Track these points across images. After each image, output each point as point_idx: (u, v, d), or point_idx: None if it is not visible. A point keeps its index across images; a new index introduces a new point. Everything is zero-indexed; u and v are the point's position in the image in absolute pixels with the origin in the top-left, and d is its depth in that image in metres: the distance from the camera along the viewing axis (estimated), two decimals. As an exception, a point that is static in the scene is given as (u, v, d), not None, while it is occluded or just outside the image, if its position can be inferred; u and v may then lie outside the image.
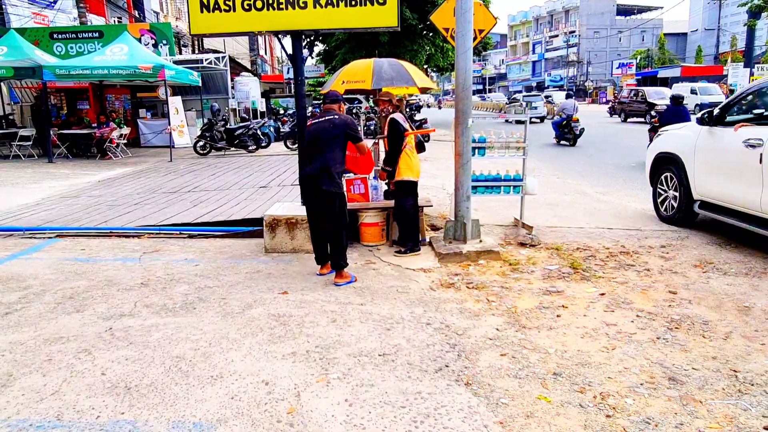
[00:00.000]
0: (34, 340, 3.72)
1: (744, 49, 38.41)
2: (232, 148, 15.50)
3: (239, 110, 19.34)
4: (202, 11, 5.62)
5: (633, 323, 4.10)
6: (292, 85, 6.21)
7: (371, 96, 8.49)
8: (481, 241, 5.83)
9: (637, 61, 58.54)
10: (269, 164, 12.92)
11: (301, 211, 5.88)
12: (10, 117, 18.23)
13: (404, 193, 5.66)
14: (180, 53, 24.44)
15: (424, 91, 6.76)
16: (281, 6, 5.54)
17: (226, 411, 2.88)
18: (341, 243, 4.89)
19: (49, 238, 6.37)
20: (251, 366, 3.38)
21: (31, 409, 2.90)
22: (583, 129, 16.78)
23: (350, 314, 4.22)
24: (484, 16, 6.52)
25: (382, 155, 6.14)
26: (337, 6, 5.52)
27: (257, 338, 3.78)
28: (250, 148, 15.58)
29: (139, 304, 4.37)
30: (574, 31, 70.44)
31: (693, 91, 33.24)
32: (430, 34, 23.43)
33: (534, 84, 73.75)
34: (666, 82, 41.84)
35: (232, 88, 20.09)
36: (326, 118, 4.88)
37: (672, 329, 3.98)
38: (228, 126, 15.81)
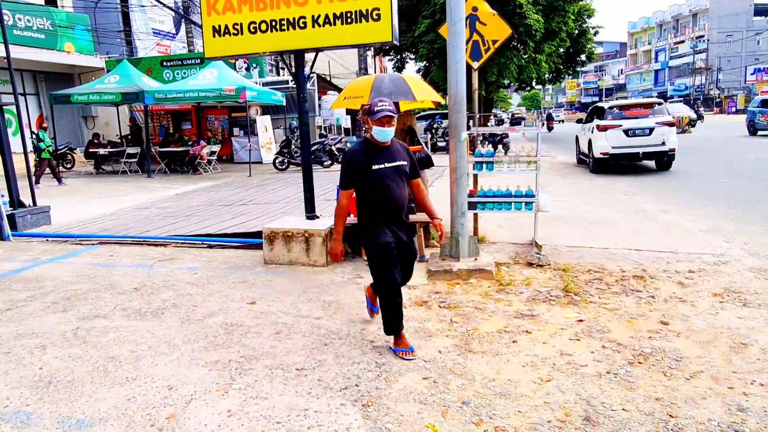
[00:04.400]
0: (9, 334, 4.19)
1: None
2: (308, 164, 16.14)
3: (323, 127, 20.12)
4: (214, 36, 6.01)
5: (592, 354, 3.71)
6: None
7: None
8: (476, 259, 5.57)
9: (777, 65, 52.43)
10: (332, 179, 13.29)
11: (297, 225, 6.03)
12: (129, 137, 20.50)
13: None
14: (278, 75, 26.03)
15: (438, 105, 6.62)
16: (283, 27, 5.77)
17: (114, 411, 3.04)
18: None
19: (92, 245, 7.10)
20: (170, 371, 3.53)
21: (-34, 394, 3.27)
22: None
23: (300, 327, 4.25)
24: (498, 27, 6.28)
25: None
26: (335, 24, 5.63)
27: (195, 345, 3.93)
28: (326, 163, 16.15)
29: (118, 308, 4.74)
30: (702, 36, 64.74)
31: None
32: (520, 46, 22.81)
33: (655, 94, 68.70)
34: (809, 88, 36.99)
35: (319, 106, 20.98)
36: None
37: (633, 364, 3.54)
38: (306, 143, 16.49)
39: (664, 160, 13.09)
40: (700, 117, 34.62)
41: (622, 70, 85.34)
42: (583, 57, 32.17)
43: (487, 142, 15.11)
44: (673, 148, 12.71)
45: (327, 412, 3.04)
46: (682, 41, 68.47)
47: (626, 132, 12.76)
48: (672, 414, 2.95)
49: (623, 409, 3.02)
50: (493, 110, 35.66)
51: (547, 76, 29.88)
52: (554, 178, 12.90)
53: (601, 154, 12.97)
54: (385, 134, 3.61)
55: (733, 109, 49.89)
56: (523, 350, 3.81)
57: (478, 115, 23.81)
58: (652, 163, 13.88)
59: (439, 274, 5.38)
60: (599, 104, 14.72)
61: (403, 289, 5.15)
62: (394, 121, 3.58)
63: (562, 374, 3.45)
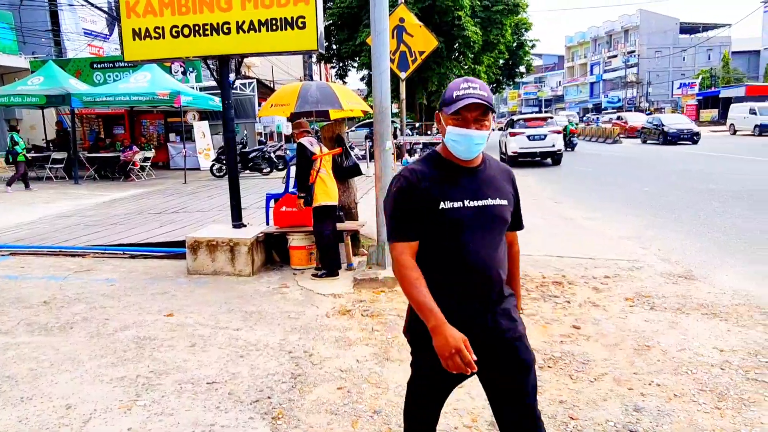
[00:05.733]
0: None
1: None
2: (247, 171, 15.87)
3: (263, 134, 19.84)
4: (134, 39, 5.82)
5: (506, 360, 3.79)
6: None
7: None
8: (402, 267, 5.61)
9: (700, 80, 55.79)
10: (269, 185, 13.11)
11: (222, 234, 5.90)
12: (56, 141, 19.52)
13: (322, 218, 5.57)
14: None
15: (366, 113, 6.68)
16: (207, 32, 5.65)
17: (2, 434, 2.86)
18: None
19: (2, 255, 6.70)
20: (70, 389, 3.36)
21: None
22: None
23: (216, 339, 4.15)
24: (425, 38, 6.39)
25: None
26: (259, 31, 5.56)
27: (102, 361, 3.76)
28: (264, 170, 15.92)
29: (23, 323, 4.47)
30: (633, 51, 68.16)
31: (752, 111, 31.13)
32: (460, 57, 23.30)
33: (591, 105, 71.73)
34: (728, 102, 39.57)
35: (259, 112, 20.67)
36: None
37: (542, 368, 3.65)
38: (244, 149, 16.22)
39: (554, 158, 18.08)
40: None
41: (560, 81, 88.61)
42: (521, 69, 33.22)
43: (425, 150, 15.34)
44: (560, 149, 17.91)
45: (234, 427, 2.97)
46: (615, 56, 71.81)
47: (529, 137, 17.72)
48: (573, 416, 3.05)
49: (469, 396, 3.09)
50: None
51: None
52: None
53: (512, 152, 17.88)
54: (469, 142, 1.91)
55: (661, 121, 52.68)
56: (439, 357, 3.85)
57: (420, 123, 23.81)
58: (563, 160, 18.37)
59: (364, 283, 5.38)
60: (512, 117, 20.97)
61: (329, 299, 5.16)
62: (489, 120, 1.94)
63: (474, 380, 3.49)
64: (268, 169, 16.02)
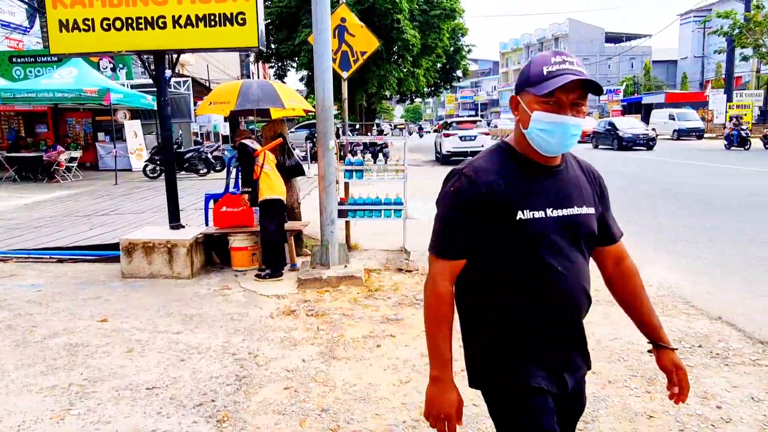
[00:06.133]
0: None
1: (725, 76, 38.53)
2: (182, 172, 15.36)
3: (200, 134, 19.29)
4: (61, 30, 5.51)
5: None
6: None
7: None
8: (346, 266, 5.61)
9: (624, 87, 58.97)
10: (207, 187, 12.76)
11: (159, 235, 5.69)
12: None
13: (269, 214, 5.48)
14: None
15: (306, 112, 6.64)
16: (140, 26, 5.43)
17: None
18: None
19: None
20: (-5, 400, 3.14)
21: None
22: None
23: (155, 344, 4.00)
24: (367, 39, 6.42)
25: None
26: (197, 26, 5.41)
27: (31, 370, 3.55)
28: (201, 171, 15.48)
29: (-63, 333, 4.15)
30: (563, 58, 71.13)
31: (671, 117, 33.23)
32: (399, 60, 23.55)
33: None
34: (650, 108, 42.01)
35: (195, 112, 20.08)
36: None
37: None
38: (179, 149, 15.69)
39: None
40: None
41: (495, 86, 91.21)
42: (458, 73, 33.96)
43: (367, 152, 15.41)
44: None
45: (177, 432, 2.87)
46: (546, 62, 74.72)
47: (461, 138, 19.43)
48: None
49: (473, 405, 3.16)
50: (376, 120, 36.46)
51: (426, 89, 31.11)
52: (420, 176, 13.64)
53: (446, 152, 19.63)
54: (564, 133, 1.47)
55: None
56: (386, 354, 3.88)
57: (361, 124, 23.82)
58: None
59: (309, 283, 5.34)
60: (446, 120, 23.13)
61: (273, 300, 5.08)
62: (586, 104, 1.51)
63: (421, 375, 3.54)
64: (205, 170, 15.59)
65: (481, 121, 23.32)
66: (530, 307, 1.52)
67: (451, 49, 30.17)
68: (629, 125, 26.09)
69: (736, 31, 25.79)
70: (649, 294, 5.10)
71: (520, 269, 1.51)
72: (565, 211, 1.54)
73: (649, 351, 1.72)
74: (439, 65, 29.91)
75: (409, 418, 3.03)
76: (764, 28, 24.23)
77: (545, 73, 1.45)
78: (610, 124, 26.83)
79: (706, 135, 31.79)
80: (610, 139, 25.86)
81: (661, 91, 49.59)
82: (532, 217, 1.48)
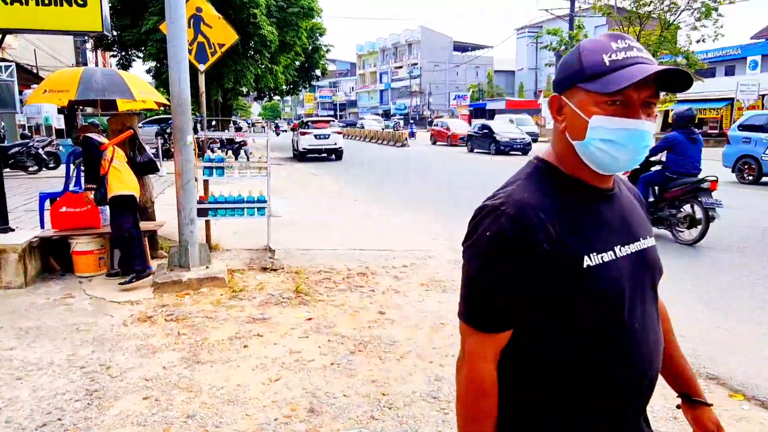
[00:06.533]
0: None
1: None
2: (7, 169, 13.53)
3: (28, 126, 17.12)
4: None
5: (319, 349, 3.89)
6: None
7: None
8: (208, 267, 5.39)
9: (471, 93, 63.44)
10: (39, 185, 11.39)
11: (-17, 240, 5.00)
12: None
13: (121, 210, 5.06)
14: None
15: (164, 107, 6.24)
16: (-45, -1, 4.71)
17: None
18: None
19: None
20: None
21: None
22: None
23: (-17, 363, 3.51)
24: (225, 31, 6.21)
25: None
26: (27, 4, 4.82)
27: None
28: (30, 169, 13.78)
29: None
30: (416, 64, 74.56)
31: (511, 121, 36.51)
32: (256, 56, 22.97)
33: (381, 111, 76.54)
34: (493, 113, 45.66)
35: (21, 102, 17.76)
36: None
37: (354, 353, 3.83)
38: (2, 144, 13.82)
39: (337, 154, 21.32)
40: (412, 134, 39.66)
41: (353, 87, 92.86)
42: (317, 72, 33.98)
43: (225, 149, 14.83)
44: (341, 147, 21.18)
45: (17, 458, 2.56)
46: (401, 66, 77.79)
47: (315, 136, 20.67)
48: (384, 392, 3.27)
49: (344, 395, 3.24)
50: (233, 117, 35.21)
51: (284, 87, 30.70)
52: (282, 173, 13.59)
53: (302, 149, 20.86)
54: (637, 142, 1.09)
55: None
56: (253, 354, 3.80)
57: (217, 120, 22.72)
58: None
59: (166, 286, 5.03)
60: (302, 119, 24.91)
61: (126, 306, 4.71)
62: (657, 105, 1.11)
63: (291, 372, 3.54)
64: (36, 167, 13.89)
65: (334, 121, 24.96)
66: (599, 384, 1.11)
67: (310, 48, 30.11)
68: (505, 129, 25.06)
69: (563, 47, 29.06)
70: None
71: (587, 333, 1.09)
72: (633, 247, 1.17)
73: (678, 406, 1.38)
74: (298, 63, 29.69)
75: (281, 415, 3.01)
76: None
77: (607, 63, 1.06)
78: (486, 127, 25.66)
79: (540, 139, 35.42)
80: (486, 143, 24.59)
81: (503, 98, 54.21)
82: (601, 261, 1.09)
